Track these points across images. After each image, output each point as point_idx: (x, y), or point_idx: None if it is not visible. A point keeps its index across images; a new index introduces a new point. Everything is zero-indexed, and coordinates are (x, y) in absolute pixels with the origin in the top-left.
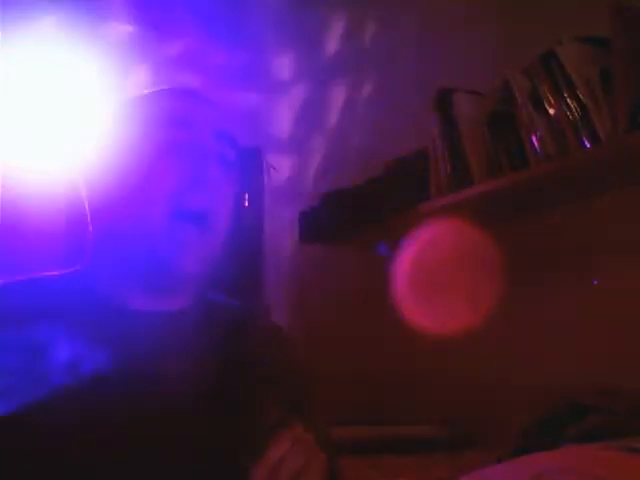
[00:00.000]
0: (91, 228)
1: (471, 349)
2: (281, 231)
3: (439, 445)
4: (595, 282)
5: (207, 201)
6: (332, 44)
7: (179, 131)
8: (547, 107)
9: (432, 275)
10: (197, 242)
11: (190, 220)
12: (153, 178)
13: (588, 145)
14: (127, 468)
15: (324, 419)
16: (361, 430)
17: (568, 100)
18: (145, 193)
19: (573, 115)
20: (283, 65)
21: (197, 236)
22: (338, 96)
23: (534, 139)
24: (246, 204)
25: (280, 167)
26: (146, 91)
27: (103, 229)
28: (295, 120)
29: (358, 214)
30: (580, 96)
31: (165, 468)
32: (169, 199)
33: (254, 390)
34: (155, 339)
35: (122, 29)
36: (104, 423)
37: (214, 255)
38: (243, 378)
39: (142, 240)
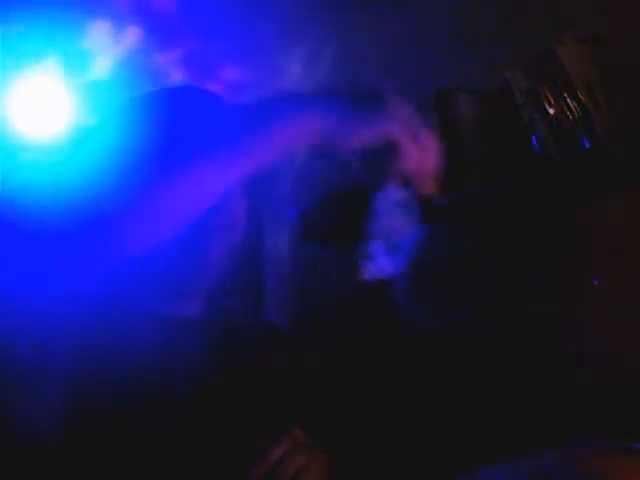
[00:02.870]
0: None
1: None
2: (281, 231)
3: None
4: (595, 282)
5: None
6: (331, 45)
7: (187, 134)
8: (547, 107)
9: None
10: (220, 240)
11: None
12: (159, 185)
13: (588, 145)
14: (126, 467)
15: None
16: None
17: (568, 100)
18: (155, 198)
19: (573, 115)
20: (283, 66)
21: (220, 234)
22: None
23: (534, 139)
24: None
25: (281, 167)
26: (152, 90)
27: (114, 234)
28: None
29: (359, 214)
30: (580, 96)
31: (165, 467)
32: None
33: (255, 392)
34: (166, 344)
35: (128, 32)
36: (106, 424)
37: (235, 253)
38: (244, 380)
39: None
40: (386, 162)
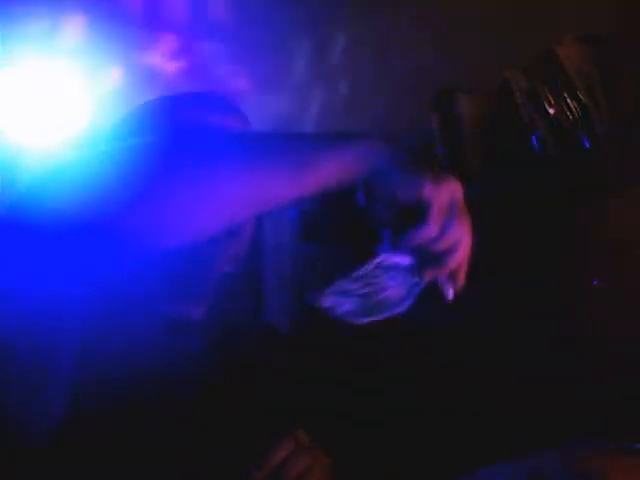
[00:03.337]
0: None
1: None
2: (281, 231)
3: None
4: (595, 282)
5: None
6: (329, 45)
7: (191, 139)
8: (547, 107)
9: None
10: (227, 243)
11: None
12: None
13: (588, 145)
14: (126, 467)
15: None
16: None
17: (568, 100)
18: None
19: (573, 115)
20: (279, 66)
21: (227, 237)
22: (337, 96)
23: (534, 139)
24: None
25: None
26: (162, 96)
27: (114, 235)
28: (292, 121)
29: (358, 214)
30: (580, 96)
31: (165, 467)
32: None
33: (256, 392)
34: (166, 344)
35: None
36: (103, 423)
37: (241, 255)
38: (244, 380)
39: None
40: (406, 227)
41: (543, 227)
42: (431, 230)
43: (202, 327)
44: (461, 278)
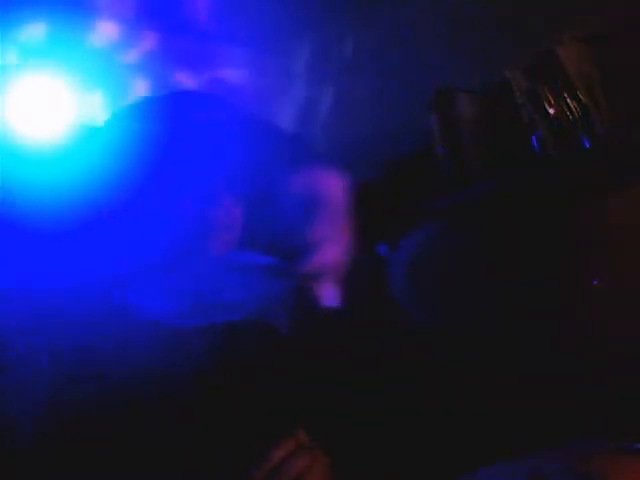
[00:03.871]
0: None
1: None
2: None
3: None
4: (595, 282)
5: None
6: (330, 44)
7: (188, 140)
8: (547, 107)
9: None
10: (221, 230)
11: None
12: (157, 186)
13: (588, 145)
14: (126, 467)
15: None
16: None
17: (568, 100)
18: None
19: (573, 115)
20: (279, 66)
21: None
22: (337, 96)
23: (534, 139)
24: None
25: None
26: (157, 94)
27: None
28: (292, 120)
29: (358, 214)
30: (580, 96)
31: (165, 467)
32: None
33: (256, 392)
34: (166, 344)
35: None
36: (103, 423)
37: (235, 240)
38: (244, 380)
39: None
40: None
41: (543, 227)
42: (279, 220)
43: (201, 326)
44: (334, 284)
